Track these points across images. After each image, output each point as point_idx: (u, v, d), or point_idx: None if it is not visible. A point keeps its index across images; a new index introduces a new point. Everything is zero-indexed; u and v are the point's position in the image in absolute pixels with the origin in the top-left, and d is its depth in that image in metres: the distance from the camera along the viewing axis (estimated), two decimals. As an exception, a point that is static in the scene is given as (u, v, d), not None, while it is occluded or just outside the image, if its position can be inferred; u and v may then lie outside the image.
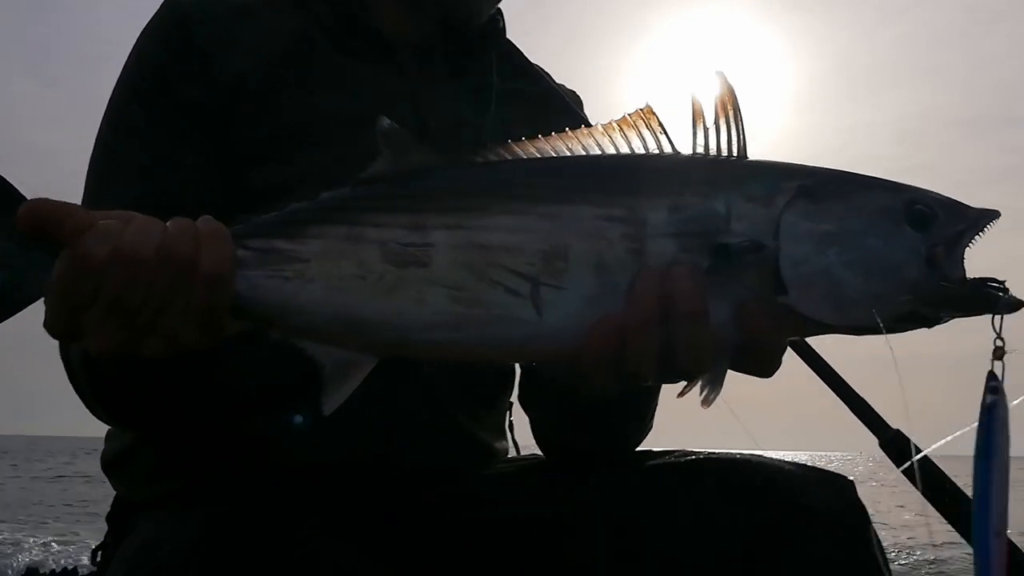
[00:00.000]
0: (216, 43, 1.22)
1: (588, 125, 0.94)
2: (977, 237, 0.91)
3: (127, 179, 1.20)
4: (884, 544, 1.15)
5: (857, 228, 0.90)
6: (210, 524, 1.07)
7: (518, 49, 1.43)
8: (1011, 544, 1.08)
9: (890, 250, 0.89)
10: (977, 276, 0.90)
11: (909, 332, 0.91)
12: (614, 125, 0.94)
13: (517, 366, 1.39)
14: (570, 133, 0.94)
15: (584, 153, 0.94)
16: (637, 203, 0.89)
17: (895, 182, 0.95)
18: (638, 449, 1.31)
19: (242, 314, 0.90)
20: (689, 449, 1.24)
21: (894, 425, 1.42)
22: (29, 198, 0.85)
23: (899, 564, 10.05)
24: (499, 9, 1.38)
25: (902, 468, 1.31)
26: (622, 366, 0.88)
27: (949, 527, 1.18)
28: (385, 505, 1.21)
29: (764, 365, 0.92)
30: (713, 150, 0.93)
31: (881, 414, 1.45)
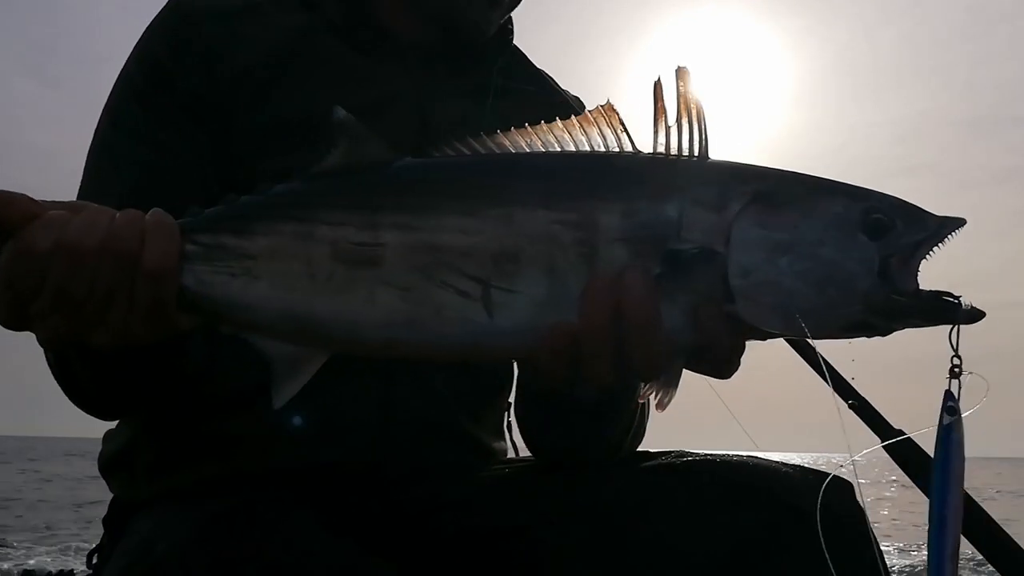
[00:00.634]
0: (220, 39, 1.23)
1: None
2: (939, 247, 0.90)
3: (123, 174, 1.20)
4: (883, 547, 1.14)
5: (810, 237, 0.88)
6: (208, 521, 1.07)
7: (524, 54, 1.44)
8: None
9: (842, 260, 0.88)
10: (932, 289, 0.89)
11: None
12: (575, 122, 0.93)
13: (515, 366, 1.38)
14: (530, 129, 0.93)
15: (544, 150, 0.92)
16: (590, 207, 0.89)
17: (855, 187, 0.93)
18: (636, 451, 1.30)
19: (190, 308, 0.90)
20: (687, 450, 1.23)
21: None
22: None
23: (898, 568, 10.05)
24: (509, 16, 1.38)
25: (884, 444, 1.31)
26: (576, 369, 0.88)
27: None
28: (381, 504, 1.21)
29: (720, 367, 0.92)
30: (674, 149, 0.91)
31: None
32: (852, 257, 0.88)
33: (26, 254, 0.83)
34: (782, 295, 0.87)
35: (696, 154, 0.91)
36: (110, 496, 1.34)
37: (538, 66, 1.47)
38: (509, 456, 1.45)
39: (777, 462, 1.20)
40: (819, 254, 0.88)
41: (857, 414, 1.44)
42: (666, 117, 0.91)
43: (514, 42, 1.42)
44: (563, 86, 1.49)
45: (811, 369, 1.43)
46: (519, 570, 1.19)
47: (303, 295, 0.89)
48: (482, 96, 1.33)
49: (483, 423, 1.37)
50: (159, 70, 1.22)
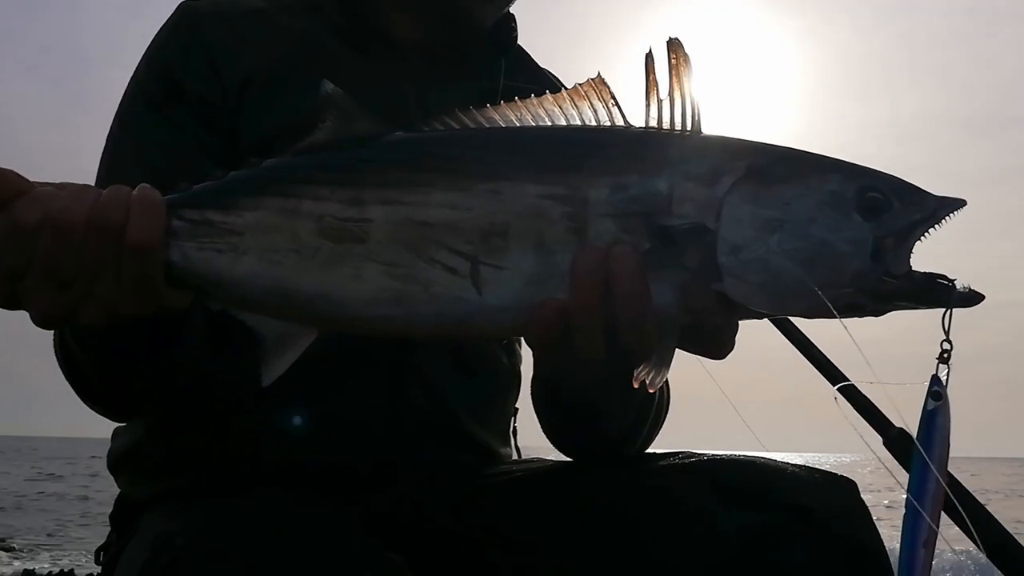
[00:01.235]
0: (227, 42, 1.24)
1: None
2: (935, 227, 0.87)
3: (131, 174, 1.21)
4: (887, 545, 1.14)
5: (802, 215, 0.86)
6: (224, 514, 1.08)
7: (528, 54, 1.44)
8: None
9: (834, 240, 0.85)
10: (926, 271, 0.87)
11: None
12: (565, 95, 0.91)
13: (522, 370, 1.39)
14: (519, 103, 0.91)
15: (534, 124, 0.91)
16: (579, 181, 0.87)
17: (853, 164, 0.91)
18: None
19: (177, 284, 0.90)
20: (693, 451, 1.24)
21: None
22: None
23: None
24: (512, 15, 1.38)
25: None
26: (568, 345, 0.87)
27: (958, 530, 1.17)
28: (385, 504, 1.21)
29: (712, 347, 0.91)
30: (666, 123, 0.89)
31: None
32: (844, 237, 0.85)
33: (14, 229, 0.84)
34: (770, 274, 0.85)
35: (688, 128, 0.89)
36: (109, 496, 1.35)
37: (541, 65, 1.47)
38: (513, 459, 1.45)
39: (783, 462, 1.21)
40: (810, 233, 0.85)
41: (859, 413, 1.45)
42: (658, 90, 0.89)
43: (518, 42, 1.42)
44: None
45: (813, 367, 1.44)
46: (520, 571, 1.19)
47: (289, 271, 0.88)
48: (487, 96, 1.33)
49: (489, 427, 1.37)
50: (169, 76, 1.24)
